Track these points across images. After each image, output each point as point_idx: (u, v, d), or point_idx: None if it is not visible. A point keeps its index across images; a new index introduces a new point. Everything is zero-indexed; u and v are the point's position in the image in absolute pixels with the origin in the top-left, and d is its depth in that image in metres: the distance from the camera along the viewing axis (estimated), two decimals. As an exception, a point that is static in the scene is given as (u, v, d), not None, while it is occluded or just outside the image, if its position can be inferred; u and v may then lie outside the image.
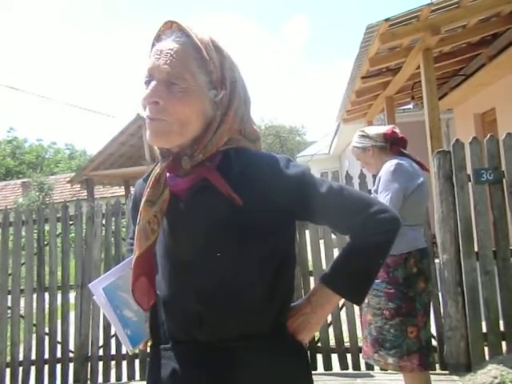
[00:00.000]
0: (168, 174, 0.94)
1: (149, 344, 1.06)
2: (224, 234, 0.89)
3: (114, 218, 3.75)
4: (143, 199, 0.94)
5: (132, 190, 14.65)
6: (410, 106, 8.12)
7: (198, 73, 0.89)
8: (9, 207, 4.20)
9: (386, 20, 3.74)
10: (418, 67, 4.38)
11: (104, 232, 3.77)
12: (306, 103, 64.37)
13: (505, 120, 5.54)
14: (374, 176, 3.22)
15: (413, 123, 6.70)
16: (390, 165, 2.18)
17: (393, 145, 2.32)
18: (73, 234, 4.09)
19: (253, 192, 0.89)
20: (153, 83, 0.88)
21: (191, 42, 0.90)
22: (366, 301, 2.21)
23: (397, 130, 2.36)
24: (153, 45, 0.93)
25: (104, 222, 3.77)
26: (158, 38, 0.93)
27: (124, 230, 3.91)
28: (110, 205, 3.80)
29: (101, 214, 3.76)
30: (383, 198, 2.13)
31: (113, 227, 3.76)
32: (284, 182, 0.90)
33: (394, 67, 5.20)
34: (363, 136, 2.36)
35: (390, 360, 2.09)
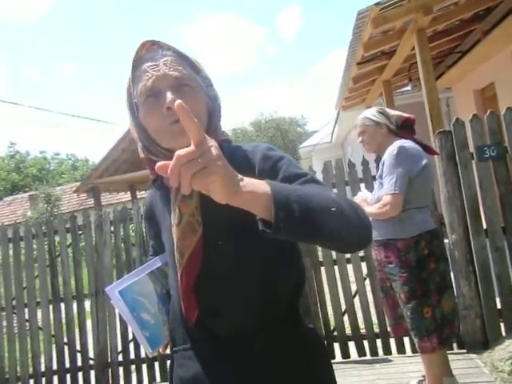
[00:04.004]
0: None
1: (169, 347, 1.08)
2: (225, 222, 0.90)
3: (122, 225, 3.79)
4: (174, 194, 0.92)
5: (138, 194, 14.74)
6: (408, 87, 8.08)
7: (193, 74, 0.97)
8: (18, 221, 4.25)
9: (377, 4, 3.72)
10: (413, 48, 4.35)
11: (113, 239, 3.81)
12: (304, 94, 64.10)
13: (504, 94, 5.49)
14: (377, 162, 3.23)
15: (412, 104, 6.65)
16: (393, 148, 2.17)
17: (401, 130, 2.32)
18: (83, 243, 4.13)
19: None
20: (168, 91, 0.90)
21: (177, 52, 0.98)
22: (388, 284, 2.25)
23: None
24: (134, 67, 0.96)
25: (112, 229, 3.80)
26: (139, 60, 0.96)
27: (133, 235, 3.94)
28: (117, 211, 3.83)
29: (109, 221, 3.80)
30: (388, 181, 2.14)
31: (121, 233, 3.79)
32: (269, 164, 0.94)
33: (389, 50, 5.17)
34: (381, 113, 2.35)
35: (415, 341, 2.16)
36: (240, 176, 0.72)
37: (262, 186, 0.73)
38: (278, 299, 0.95)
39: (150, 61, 0.94)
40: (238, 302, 0.93)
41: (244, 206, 0.72)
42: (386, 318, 2.45)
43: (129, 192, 14.30)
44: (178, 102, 0.66)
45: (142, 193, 15.86)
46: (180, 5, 73.87)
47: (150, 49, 0.98)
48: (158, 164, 0.66)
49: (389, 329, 2.41)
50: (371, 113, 2.38)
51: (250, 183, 0.72)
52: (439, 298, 2.15)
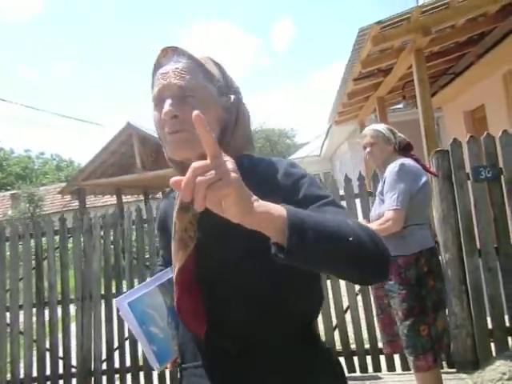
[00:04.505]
0: None
1: (178, 361, 1.04)
2: (240, 236, 0.88)
3: (112, 229, 3.71)
4: (176, 208, 0.93)
5: (124, 198, 14.56)
6: (400, 105, 8.21)
7: (206, 83, 0.94)
8: None
9: (378, 23, 3.77)
10: (410, 67, 4.42)
11: (103, 244, 3.73)
12: (295, 106, 64.62)
13: (494, 116, 5.61)
14: (373, 179, 3.25)
15: (403, 122, 6.74)
16: (395, 165, 2.21)
17: (401, 152, 2.41)
18: (70, 245, 4.03)
19: (261, 193, 0.89)
20: (168, 101, 0.91)
21: (192, 59, 0.95)
22: (386, 301, 2.24)
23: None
24: (153, 73, 0.97)
25: (102, 233, 3.73)
26: (158, 66, 0.96)
27: (121, 241, 3.87)
28: (108, 216, 3.76)
29: (99, 225, 3.72)
30: (390, 197, 2.15)
31: (111, 238, 3.72)
32: (290, 181, 0.92)
33: (385, 68, 5.24)
34: (390, 131, 2.40)
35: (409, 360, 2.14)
36: (255, 197, 0.70)
37: (277, 208, 0.71)
38: (291, 316, 0.92)
39: (164, 68, 0.94)
40: (247, 317, 0.90)
41: (257, 226, 0.70)
42: (380, 334, 2.44)
43: (115, 196, 14.11)
44: (195, 112, 0.65)
45: (128, 197, 15.70)
46: (178, 8, 74.07)
47: (167, 55, 0.96)
48: (173, 179, 0.64)
49: (383, 345, 2.39)
50: (383, 127, 2.41)
51: (265, 204, 0.70)
52: (435, 316, 2.15)
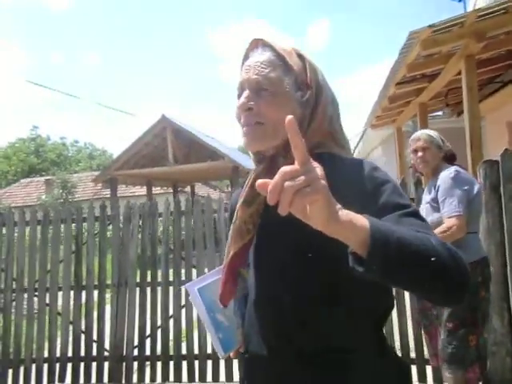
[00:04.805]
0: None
1: (241, 351, 1.05)
2: (315, 237, 0.88)
3: (151, 219, 3.78)
4: (240, 200, 0.97)
5: (154, 190, 14.79)
6: (440, 112, 8.03)
7: (283, 77, 0.95)
8: (32, 204, 4.28)
9: (430, 26, 3.70)
10: (458, 74, 4.32)
11: (140, 233, 3.81)
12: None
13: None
14: (416, 185, 3.19)
15: (442, 130, 6.59)
16: (449, 172, 2.18)
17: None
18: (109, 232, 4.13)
19: (342, 196, 0.89)
20: (245, 93, 0.95)
21: (275, 52, 0.97)
22: (435, 313, 2.20)
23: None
24: (242, 63, 1.01)
25: (141, 222, 3.80)
26: (246, 57, 1.01)
27: (160, 230, 3.93)
28: (147, 206, 3.83)
29: (138, 214, 3.80)
30: (449, 204, 2.12)
31: (149, 228, 3.79)
32: (372, 185, 0.90)
33: (430, 73, 5.14)
34: (442, 139, 2.40)
35: (453, 374, 2.08)
36: (339, 205, 0.69)
37: (360, 219, 0.71)
38: (358, 313, 0.90)
39: (248, 60, 0.98)
40: (323, 316, 0.89)
41: (338, 235, 0.69)
42: (426, 346, 2.40)
43: (145, 186, 14.37)
44: (289, 118, 0.64)
45: (157, 189, 15.95)
46: (210, 6, 74.65)
47: (253, 47, 1.00)
48: (259, 181, 0.64)
49: (430, 358, 2.35)
50: (436, 134, 2.38)
51: (348, 213, 0.70)
52: (483, 327, 2.11)
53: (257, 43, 0.99)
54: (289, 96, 0.95)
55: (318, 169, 0.65)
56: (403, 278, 0.73)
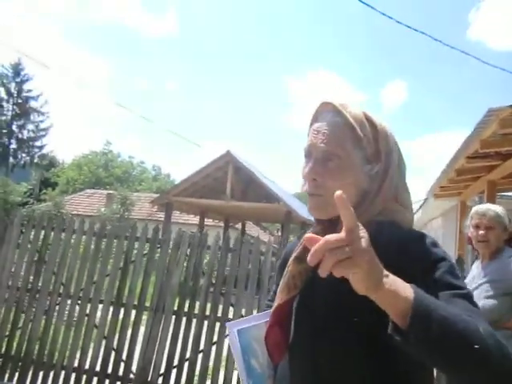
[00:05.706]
0: None
1: None
2: (357, 306, 0.86)
3: (199, 250, 3.85)
4: (293, 255, 0.98)
5: (206, 221, 15.08)
6: (510, 193, 7.65)
7: (352, 150, 0.95)
8: (92, 214, 4.48)
9: (510, 106, 3.62)
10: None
11: (186, 262, 3.88)
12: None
13: None
14: (461, 262, 3.03)
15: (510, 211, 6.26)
16: None
17: None
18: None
19: (395, 265, 0.87)
20: (311, 162, 0.96)
21: (345, 121, 0.95)
22: None
23: None
24: (311, 124, 1.01)
25: (189, 251, 3.88)
26: (315, 118, 1.00)
27: (205, 262, 3.99)
28: (197, 236, 3.91)
29: (187, 243, 3.88)
30: None
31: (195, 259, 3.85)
32: (428, 260, 0.88)
33: (505, 153, 4.96)
34: (510, 221, 2.29)
35: None
36: (386, 272, 0.69)
37: (405, 289, 0.70)
38: None
39: (318, 124, 0.98)
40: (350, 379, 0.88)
41: (381, 303, 0.69)
42: None
43: (198, 216, 14.70)
44: (338, 193, 0.66)
45: (209, 220, 16.25)
46: (292, 56, 77.69)
47: (324, 109, 0.99)
48: (308, 236, 0.66)
49: None
50: (504, 213, 2.25)
51: (394, 282, 0.69)
52: None
53: (327, 106, 0.98)
54: (356, 170, 0.95)
55: (364, 240, 0.66)
56: (442, 357, 0.70)
